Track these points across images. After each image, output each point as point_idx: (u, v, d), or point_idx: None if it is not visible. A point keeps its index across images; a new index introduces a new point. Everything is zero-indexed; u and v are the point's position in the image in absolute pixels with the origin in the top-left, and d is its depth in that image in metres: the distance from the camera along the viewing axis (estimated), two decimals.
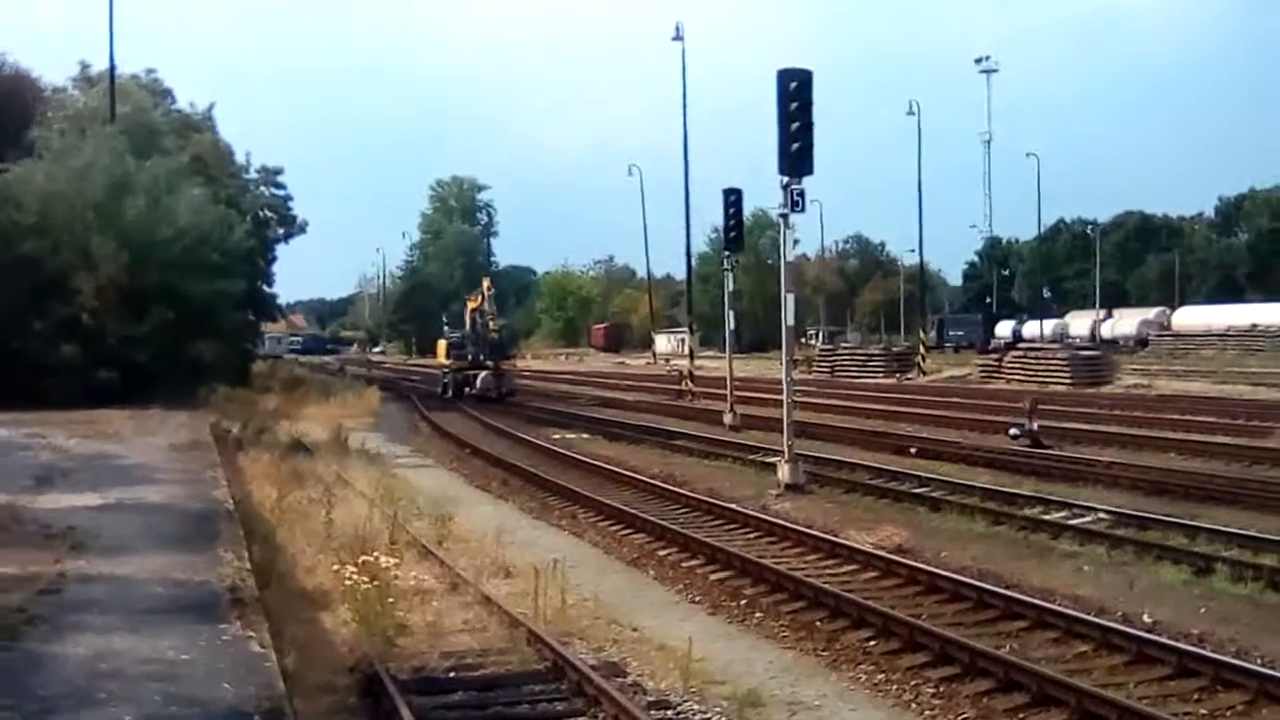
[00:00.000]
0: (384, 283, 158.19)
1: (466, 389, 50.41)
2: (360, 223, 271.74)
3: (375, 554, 13.09)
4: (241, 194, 55.71)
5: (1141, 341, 77.91)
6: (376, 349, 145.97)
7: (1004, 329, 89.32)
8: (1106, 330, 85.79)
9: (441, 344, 56.24)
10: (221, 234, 41.07)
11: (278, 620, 10.19)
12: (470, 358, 51.83)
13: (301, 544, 15.44)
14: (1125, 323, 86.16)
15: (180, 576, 10.90)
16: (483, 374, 50.04)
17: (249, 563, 11.60)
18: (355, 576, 12.08)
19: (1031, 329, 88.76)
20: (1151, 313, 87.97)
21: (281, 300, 79.21)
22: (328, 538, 15.30)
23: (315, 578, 13.66)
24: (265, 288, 61.07)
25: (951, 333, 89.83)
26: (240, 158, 59.75)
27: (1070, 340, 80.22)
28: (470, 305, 55.08)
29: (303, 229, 64.73)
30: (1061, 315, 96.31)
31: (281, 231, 63.31)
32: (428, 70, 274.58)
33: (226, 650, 8.49)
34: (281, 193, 63.65)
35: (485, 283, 53.95)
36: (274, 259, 62.36)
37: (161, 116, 53.43)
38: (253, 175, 61.50)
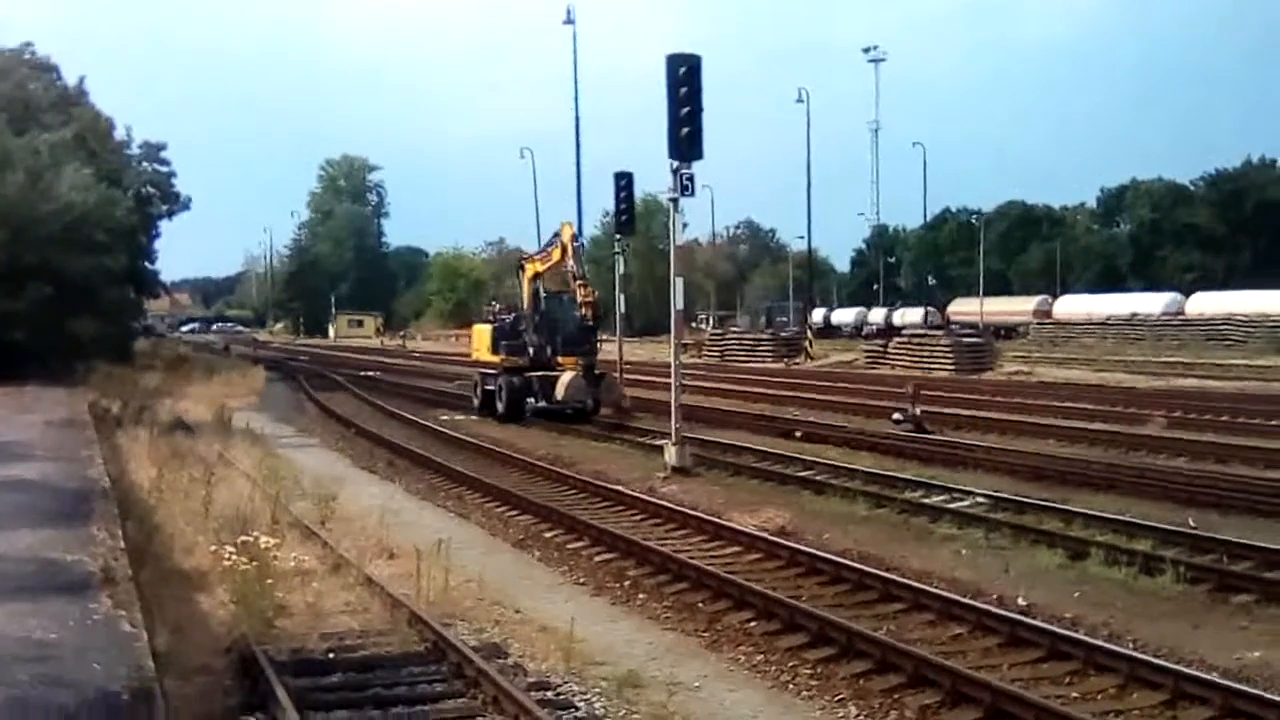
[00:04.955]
0: (271, 261, 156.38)
1: (531, 399, 33.37)
2: (247, 201, 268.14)
3: (255, 534, 12.93)
4: (123, 169, 54.48)
5: (934, 327, 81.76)
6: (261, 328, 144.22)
7: (817, 315, 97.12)
8: (897, 318, 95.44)
9: (481, 330, 36.57)
10: (103, 210, 40.20)
11: (152, 601, 10.02)
12: (534, 352, 33.67)
13: (180, 524, 15.13)
14: (913, 313, 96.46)
15: (52, 555, 10.67)
16: (566, 376, 31.55)
17: (123, 542, 11.38)
18: (234, 557, 11.91)
19: (839, 316, 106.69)
20: (928, 309, 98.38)
21: (166, 278, 77.60)
22: (207, 517, 15.04)
23: (193, 558, 13.41)
24: (148, 265, 59.99)
25: (779, 319, 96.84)
26: (121, 133, 58.43)
27: (870, 325, 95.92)
28: (530, 269, 34.89)
29: (186, 206, 63.58)
30: (947, 303, 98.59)
31: (165, 208, 62.02)
32: (316, 48, 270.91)
33: (97, 630, 8.34)
34: (165, 169, 62.43)
35: (567, 231, 33.25)
36: (157, 235, 61.45)
37: (42, 91, 52.09)
38: (134, 151, 60.16)
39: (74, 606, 8.90)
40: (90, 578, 9.86)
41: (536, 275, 34.41)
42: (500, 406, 33.36)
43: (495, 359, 34.49)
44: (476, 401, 35.26)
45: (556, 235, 33.88)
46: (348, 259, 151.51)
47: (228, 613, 11.28)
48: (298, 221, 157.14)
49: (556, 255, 33.13)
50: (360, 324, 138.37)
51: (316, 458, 25.68)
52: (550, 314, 33.85)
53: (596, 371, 32.44)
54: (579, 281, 32.51)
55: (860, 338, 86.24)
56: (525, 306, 34.87)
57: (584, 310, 32.34)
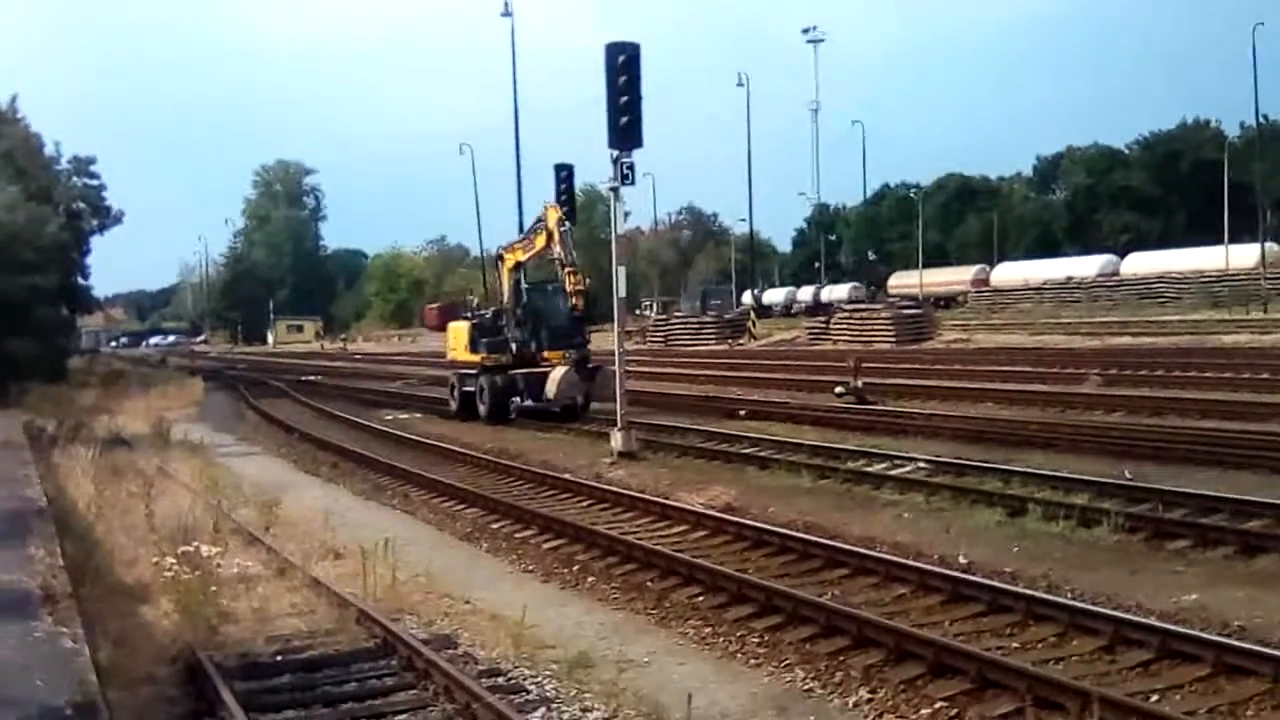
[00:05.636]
0: (206, 271, 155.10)
1: (516, 399, 30.69)
2: (180, 211, 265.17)
3: (196, 544, 12.84)
4: (53, 186, 53.84)
5: (853, 302, 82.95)
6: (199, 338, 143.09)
7: (747, 297, 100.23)
8: (825, 295, 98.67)
9: (458, 328, 34.17)
10: (33, 229, 39.75)
11: (94, 615, 9.95)
12: (517, 348, 31.41)
13: (120, 539, 14.98)
14: (840, 290, 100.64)
15: None
16: (557, 372, 28.98)
17: (62, 559, 11.28)
18: (176, 567, 11.83)
19: (770, 296, 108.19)
20: (853, 285, 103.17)
21: (99, 293, 76.85)
22: (149, 530, 14.91)
23: (135, 571, 13.29)
24: (81, 281, 59.38)
25: (712, 302, 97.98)
26: (50, 148, 57.64)
27: (799, 304, 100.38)
28: (510, 259, 32.04)
29: (118, 219, 62.83)
30: (887, 277, 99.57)
31: (96, 223, 61.24)
32: (247, 52, 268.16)
33: (39, 648, 8.30)
34: (95, 183, 61.64)
35: (553, 215, 29.53)
36: (88, 251, 60.77)
37: None
38: (64, 166, 59.35)
39: (14, 626, 8.83)
40: (30, 596, 9.79)
41: (518, 265, 31.68)
42: (482, 409, 31.12)
43: (475, 358, 32.02)
44: (454, 405, 32.93)
45: (539, 220, 30.65)
46: (285, 264, 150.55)
47: (171, 623, 11.19)
48: (233, 229, 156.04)
49: (540, 242, 30.11)
50: (300, 329, 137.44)
51: (259, 465, 25.48)
52: (534, 306, 31.36)
53: (590, 365, 29.30)
54: (568, 269, 29.07)
55: (790, 316, 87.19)
56: (506, 299, 32.31)
57: (574, 300, 29.13)
